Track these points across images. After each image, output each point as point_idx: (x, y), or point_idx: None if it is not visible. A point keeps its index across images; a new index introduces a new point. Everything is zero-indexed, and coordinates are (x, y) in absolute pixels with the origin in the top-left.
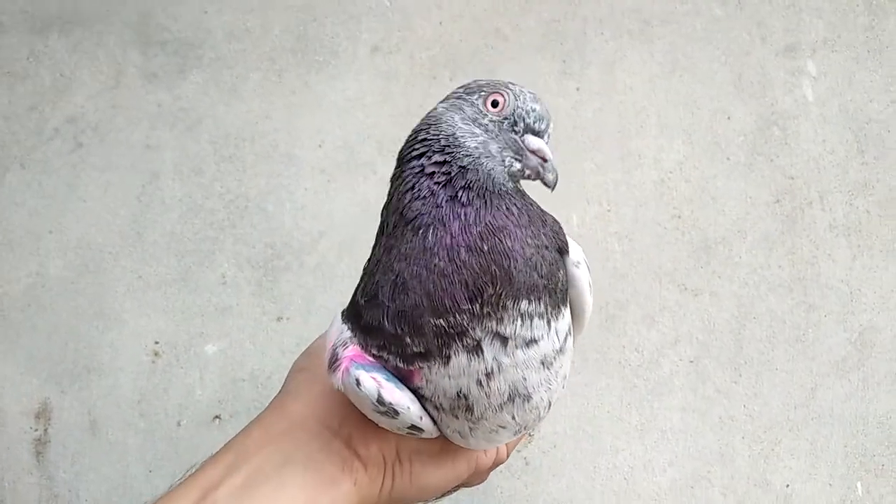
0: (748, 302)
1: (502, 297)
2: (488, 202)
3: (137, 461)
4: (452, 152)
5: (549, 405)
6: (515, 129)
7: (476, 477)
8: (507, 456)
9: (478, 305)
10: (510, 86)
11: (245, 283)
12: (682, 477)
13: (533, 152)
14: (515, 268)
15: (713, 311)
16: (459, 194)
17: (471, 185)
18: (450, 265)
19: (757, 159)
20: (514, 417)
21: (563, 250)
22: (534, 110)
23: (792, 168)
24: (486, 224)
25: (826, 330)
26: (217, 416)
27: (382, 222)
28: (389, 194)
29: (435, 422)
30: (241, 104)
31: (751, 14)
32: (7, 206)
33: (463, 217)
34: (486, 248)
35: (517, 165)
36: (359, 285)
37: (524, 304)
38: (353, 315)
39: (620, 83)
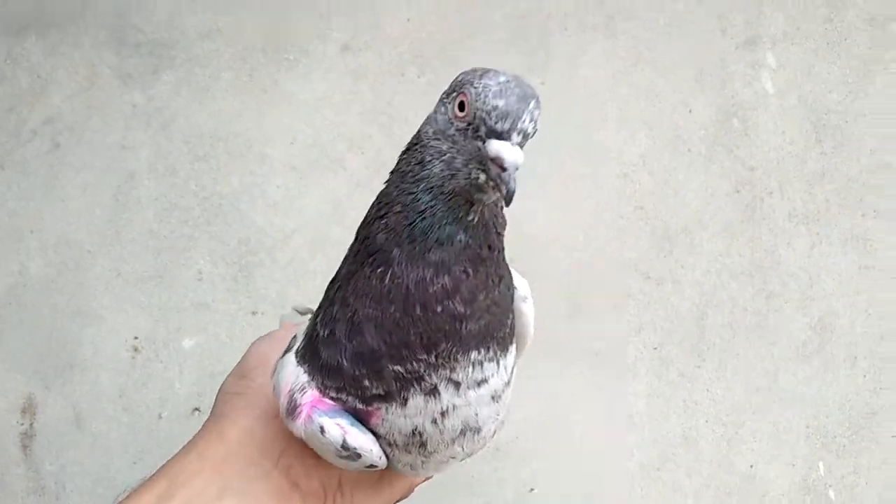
0: (710, 290)
1: (453, 351)
2: (445, 260)
3: (121, 453)
4: (414, 193)
5: (495, 433)
6: (478, 134)
7: (407, 494)
8: None
9: (433, 356)
10: (475, 82)
11: (220, 280)
12: (648, 460)
13: (492, 160)
14: (466, 328)
15: (676, 299)
16: (418, 242)
17: (427, 231)
18: (405, 317)
19: (717, 151)
20: (463, 448)
21: (513, 300)
22: (495, 108)
23: (752, 159)
24: (441, 285)
25: (786, 316)
26: (196, 409)
27: (356, 237)
28: (369, 210)
29: (387, 457)
30: (213, 104)
31: (712, 8)
32: None
33: (421, 270)
34: (439, 308)
35: (482, 178)
36: (320, 307)
37: (474, 354)
38: (311, 353)
39: (584, 77)
